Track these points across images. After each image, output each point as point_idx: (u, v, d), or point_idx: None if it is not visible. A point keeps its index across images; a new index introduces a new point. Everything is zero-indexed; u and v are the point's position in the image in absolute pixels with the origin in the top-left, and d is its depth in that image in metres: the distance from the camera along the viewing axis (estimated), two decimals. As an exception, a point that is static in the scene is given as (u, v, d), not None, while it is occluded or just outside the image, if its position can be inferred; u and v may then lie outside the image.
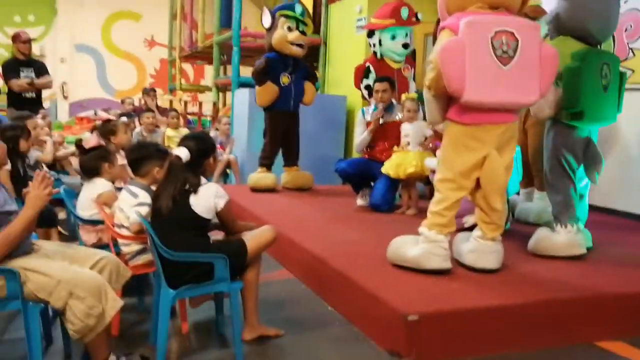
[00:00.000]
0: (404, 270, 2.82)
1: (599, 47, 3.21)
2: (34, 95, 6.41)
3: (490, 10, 2.68)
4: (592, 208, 4.70)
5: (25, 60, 6.42)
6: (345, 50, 7.13)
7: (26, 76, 6.29)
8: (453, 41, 2.55)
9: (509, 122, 2.73)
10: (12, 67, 6.34)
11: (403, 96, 4.52)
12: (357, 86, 5.48)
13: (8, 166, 3.48)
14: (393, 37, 5.28)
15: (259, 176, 5.43)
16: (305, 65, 5.55)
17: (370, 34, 5.42)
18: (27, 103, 6.20)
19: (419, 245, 2.79)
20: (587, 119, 3.08)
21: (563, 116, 3.12)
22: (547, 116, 3.17)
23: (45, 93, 7.00)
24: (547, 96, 3.02)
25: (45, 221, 3.51)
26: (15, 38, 6.47)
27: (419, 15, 5.35)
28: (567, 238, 3.20)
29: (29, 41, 6.46)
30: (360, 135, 4.77)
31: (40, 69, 6.49)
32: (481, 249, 2.87)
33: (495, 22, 2.59)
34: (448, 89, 2.59)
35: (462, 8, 2.70)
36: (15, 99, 6.32)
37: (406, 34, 5.31)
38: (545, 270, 3.00)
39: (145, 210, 2.63)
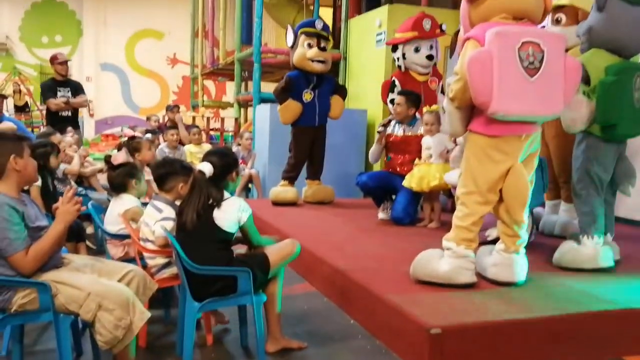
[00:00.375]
0: (426, 284, 2.81)
1: (630, 59, 3.19)
2: (69, 113, 6.66)
3: (514, 21, 2.68)
4: (620, 220, 4.64)
5: (62, 81, 6.70)
6: (366, 65, 7.18)
7: (63, 96, 6.57)
8: (481, 52, 2.53)
9: (531, 133, 2.72)
10: (50, 88, 6.63)
11: (424, 109, 4.53)
12: (385, 101, 5.51)
13: (38, 182, 3.57)
14: (417, 50, 5.27)
15: (280, 190, 5.47)
16: (333, 80, 5.57)
17: (394, 48, 5.43)
18: (63, 121, 6.43)
19: (447, 260, 2.76)
20: (619, 132, 3.07)
21: (595, 129, 3.09)
22: (579, 130, 3.13)
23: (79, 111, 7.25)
24: (580, 110, 3.02)
25: (74, 236, 3.59)
26: (53, 60, 6.76)
27: (444, 27, 5.31)
28: (593, 250, 3.16)
29: (65, 62, 6.76)
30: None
31: (77, 89, 6.77)
32: (505, 262, 2.85)
33: (522, 33, 2.58)
34: (475, 100, 2.58)
35: (486, 19, 2.70)
36: (53, 118, 6.60)
37: (431, 46, 5.28)
38: (571, 283, 2.97)
39: (170, 224, 2.69)
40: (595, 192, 3.18)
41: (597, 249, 3.16)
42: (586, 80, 3.04)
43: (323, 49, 5.30)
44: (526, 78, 2.55)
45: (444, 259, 2.78)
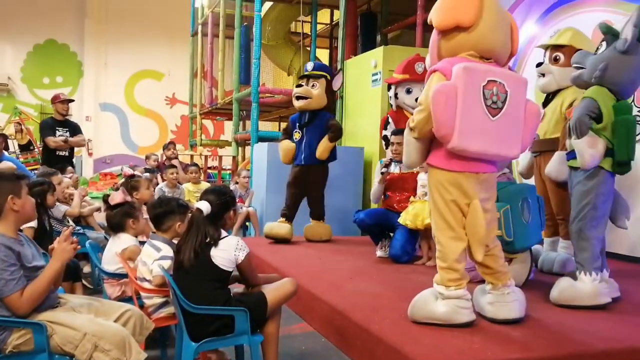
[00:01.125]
0: (425, 324, 2.78)
1: None
2: (66, 153, 6.75)
3: (481, 59, 2.69)
4: (619, 257, 4.63)
5: (61, 121, 6.81)
6: (362, 104, 7.28)
7: (61, 135, 6.66)
8: (447, 85, 2.53)
9: (489, 172, 2.71)
10: (49, 126, 6.74)
11: None
12: (382, 137, 5.63)
13: (34, 223, 3.56)
14: (408, 91, 5.42)
15: (275, 225, 5.51)
16: (325, 118, 5.50)
17: (389, 86, 5.58)
18: (60, 160, 6.48)
19: (443, 301, 2.72)
20: (630, 167, 3.14)
21: (607, 164, 3.11)
22: (594, 166, 3.11)
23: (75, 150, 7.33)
24: (598, 146, 3.04)
25: (71, 275, 3.57)
26: (55, 99, 6.89)
27: None
28: (592, 287, 3.14)
29: (67, 101, 6.91)
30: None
31: (75, 129, 6.88)
32: (500, 300, 2.82)
33: (488, 71, 2.60)
34: (436, 133, 2.56)
35: (454, 53, 2.70)
36: (49, 157, 6.66)
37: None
38: (570, 321, 2.94)
39: (167, 263, 2.68)
40: (597, 229, 3.17)
41: (595, 286, 3.15)
42: (597, 117, 3.06)
43: (313, 87, 5.37)
44: (488, 117, 2.55)
45: (441, 300, 2.74)
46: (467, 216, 2.66)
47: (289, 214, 5.54)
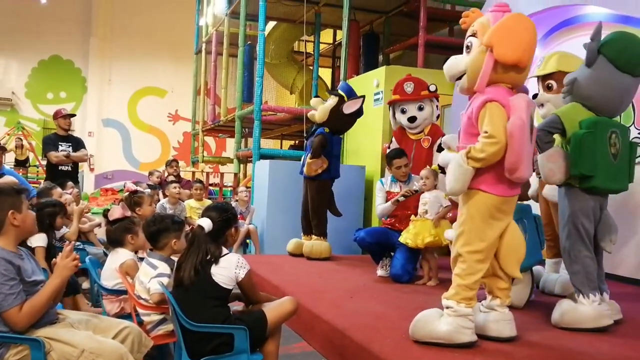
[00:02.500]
0: (426, 344, 2.76)
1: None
2: (69, 168, 6.72)
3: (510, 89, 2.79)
4: (620, 279, 4.60)
5: (64, 136, 6.80)
6: (364, 123, 7.28)
7: (64, 150, 6.65)
8: (522, 120, 2.60)
9: (517, 194, 2.83)
10: (52, 141, 6.72)
11: (423, 170, 4.57)
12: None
13: (44, 243, 3.55)
14: (403, 111, 5.49)
15: (291, 242, 5.73)
16: (318, 132, 5.46)
17: (389, 107, 5.67)
18: (63, 175, 6.45)
19: (447, 319, 2.71)
20: (595, 184, 3.11)
21: (575, 181, 3.14)
22: (558, 180, 3.18)
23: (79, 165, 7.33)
24: (558, 160, 3.09)
25: (71, 290, 3.55)
26: (57, 114, 6.86)
27: (431, 88, 5.45)
28: (592, 309, 3.11)
29: (69, 116, 6.88)
30: (381, 202, 4.82)
31: (78, 144, 6.86)
32: (506, 317, 2.84)
33: (530, 100, 2.75)
34: (511, 165, 2.60)
35: (496, 82, 2.73)
36: (53, 172, 6.64)
37: (420, 107, 5.42)
38: (572, 343, 2.91)
39: (165, 281, 2.67)
40: (584, 248, 3.16)
41: (597, 308, 3.12)
42: (562, 132, 3.14)
43: (326, 101, 5.56)
44: (530, 143, 2.69)
45: (444, 319, 2.73)
46: (506, 235, 2.75)
47: (304, 228, 5.67)
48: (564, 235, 3.24)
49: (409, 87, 5.46)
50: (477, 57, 2.71)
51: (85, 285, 4.28)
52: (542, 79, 4.05)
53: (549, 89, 4.02)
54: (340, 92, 5.56)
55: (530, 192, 4.31)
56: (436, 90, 5.46)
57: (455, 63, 2.85)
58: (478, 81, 2.70)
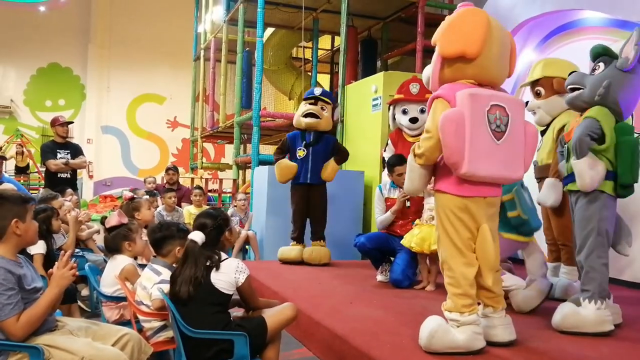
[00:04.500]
0: (432, 352, 2.70)
1: None
2: (68, 175, 6.71)
3: (479, 86, 2.72)
4: (623, 283, 4.60)
5: (62, 143, 6.79)
6: (362, 128, 7.33)
7: (62, 157, 6.63)
8: (455, 112, 2.55)
9: (495, 196, 2.74)
10: (50, 149, 6.71)
11: None
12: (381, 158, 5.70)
13: (43, 249, 3.55)
14: (404, 112, 5.43)
15: (285, 248, 5.61)
16: (331, 141, 5.61)
17: (389, 108, 5.64)
18: (62, 182, 6.44)
19: (461, 328, 2.67)
20: (632, 191, 3.09)
21: (608, 188, 3.07)
22: (593, 188, 3.06)
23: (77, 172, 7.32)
24: (598, 168, 2.99)
25: (67, 298, 3.54)
26: (54, 122, 6.86)
27: None
28: (595, 314, 3.09)
29: (66, 124, 6.88)
30: (380, 212, 4.81)
31: (77, 151, 6.85)
32: (503, 322, 2.81)
33: (490, 96, 2.63)
34: (447, 160, 2.58)
35: (454, 80, 2.73)
36: (52, 179, 6.64)
37: (422, 110, 5.38)
38: (572, 347, 2.90)
39: (167, 287, 2.66)
40: (605, 254, 3.12)
41: (599, 313, 3.10)
42: (599, 138, 3.03)
43: (322, 109, 5.48)
44: (493, 141, 2.59)
45: (460, 328, 2.67)
46: (477, 241, 2.67)
47: (296, 236, 5.60)
48: (587, 242, 3.13)
49: (414, 88, 5.43)
50: (434, 59, 2.79)
51: (85, 292, 4.27)
52: (531, 86, 4.08)
53: (538, 95, 4.04)
54: (330, 101, 5.58)
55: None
56: (420, 92, 5.45)
57: (425, 70, 2.95)
58: (431, 80, 2.78)
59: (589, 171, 3.02)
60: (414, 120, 5.37)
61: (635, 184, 3.08)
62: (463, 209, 2.64)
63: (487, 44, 2.65)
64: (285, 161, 5.46)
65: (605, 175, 3.04)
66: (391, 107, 5.59)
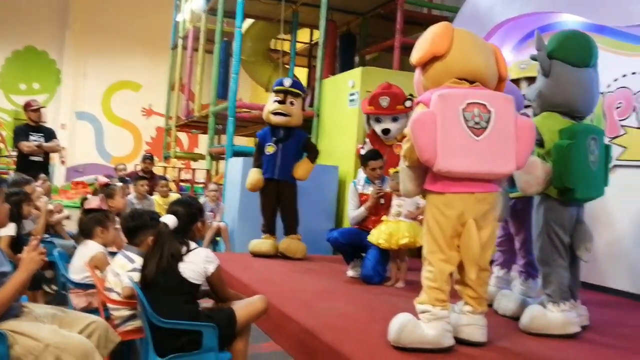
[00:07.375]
0: (398, 348, 2.72)
1: (582, 121, 3.28)
2: (41, 159, 6.62)
3: (467, 84, 2.78)
4: (591, 287, 4.68)
5: (35, 127, 6.69)
6: (338, 123, 7.34)
7: (35, 140, 6.54)
8: (423, 113, 2.65)
9: (486, 192, 2.75)
10: (23, 131, 6.64)
11: (390, 170, 4.60)
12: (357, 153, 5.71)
13: (12, 231, 3.49)
14: (378, 120, 5.54)
15: (256, 242, 5.55)
16: (303, 137, 5.59)
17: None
18: (34, 167, 6.33)
19: (431, 324, 2.70)
20: (576, 196, 3.11)
21: (553, 192, 3.14)
22: (534, 192, 3.19)
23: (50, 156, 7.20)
24: (534, 172, 3.06)
25: (33, 284, 3.47)
26: (27, 106, 6.76)
27: (407, 104, 5.43)
28: (562, 316, 3.15)
29: (38, 109, 6.75)
30: (354, 208, 4.84)
31: (50, 135, 6.76)
32: (478, 322, 2.84)
33: (466, 95, 2.68)
34: (420, 158, 2.65)
35: (438, 83, 2.80)
36: (23, 162, 6.53)
37: (394, 118, 5.48)
38: (539, 348, 2.95)
39: (138, 275, 2.64)
40: (559, 257, 3.18)
41: (565, 315, 3.15)
42: (540, 142, 3.12)
43: (291, 104, 5.44)
44: (471, 137, 2.63)
45: (430, 324, 2.71)
46: (462, 235, 2.70)
47: (266, 230, 5.57)
48: (538, 245, 3.24)
49: (384, 102, 5.49)
50: (415, 77, 2.99)
51: (49, 274, 4.18)
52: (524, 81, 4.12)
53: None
54: (301, 92, 5.57)
55: None
56: (412, 105, 5.48)
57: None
58: (417, 93, 2.97)
59: (523, 176, 3.08)
60: (385, 131, 5.51)
61: (572, 188, 3.06)
62: (448, 206, 2.69)
63: (456, 40, 2.78)
64: (256, 172, 5.45)
65: (550, 179, 3.09)
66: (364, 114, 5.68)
